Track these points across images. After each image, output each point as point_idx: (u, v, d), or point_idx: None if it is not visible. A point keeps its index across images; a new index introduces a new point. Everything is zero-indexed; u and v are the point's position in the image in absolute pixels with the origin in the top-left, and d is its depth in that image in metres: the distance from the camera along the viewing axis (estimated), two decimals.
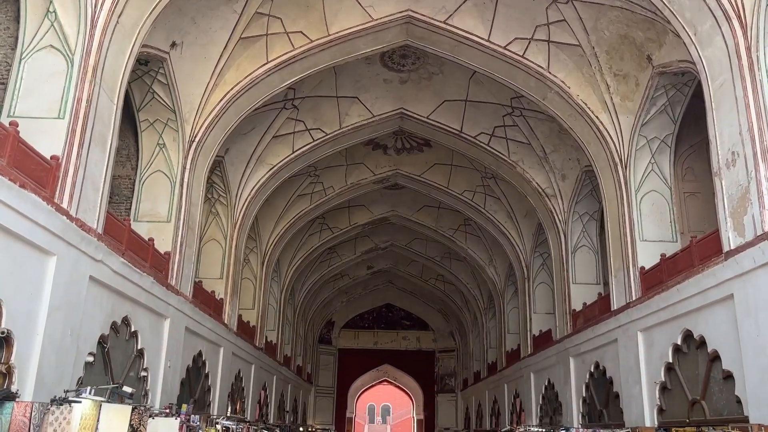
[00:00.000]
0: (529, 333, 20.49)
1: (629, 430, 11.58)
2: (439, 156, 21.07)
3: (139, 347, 10.64)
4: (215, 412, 15.30)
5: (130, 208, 12.36)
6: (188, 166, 12.68)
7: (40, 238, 7.34)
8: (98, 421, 7.50)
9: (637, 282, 12.00)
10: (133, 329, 10.37)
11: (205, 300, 14.59)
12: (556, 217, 17.00)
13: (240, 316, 18.44)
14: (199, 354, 14.22)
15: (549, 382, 18.17)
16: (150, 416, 7.60)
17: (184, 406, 11.77)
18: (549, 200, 17.15)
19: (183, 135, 12.60)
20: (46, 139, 7.93)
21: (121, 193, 12.70)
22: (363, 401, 59.18)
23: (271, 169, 17.37)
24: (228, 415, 16.29)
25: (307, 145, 17.59)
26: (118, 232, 9.75)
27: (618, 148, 12.82)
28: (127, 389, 7.52)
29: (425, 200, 24.62)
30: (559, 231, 16.96)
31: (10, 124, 7.07)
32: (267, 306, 22.15)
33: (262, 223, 20.82)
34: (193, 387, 13.97)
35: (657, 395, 11.08)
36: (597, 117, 13.07)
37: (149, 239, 11.20)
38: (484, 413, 28.55)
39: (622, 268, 12.55)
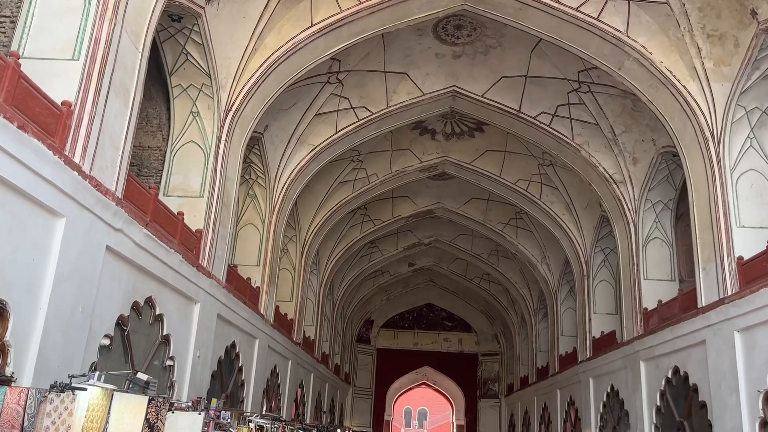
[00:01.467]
0: (588, 335, 18.79)
1: None
2: (492, 142, 19.58)
3: (164, 333, 9.51)
4: (249, 409, 14.13)
5: (159, 182, 11.27)
6: (224, 138, 11.54)
7: (45, 194, 6.22)
8: (109, 413, 6.33)
9: (733, 274, 10.33)
10: (158, 312, 9.23)
11: (240, 287, 13.45)
12: (625, 206, 15.32)
13: (277, 307, 17.29)
14: (233, 345, 13.08)
15: (612, 388, 16.47)
16: (169, 409, 6.37)
17: (214, 401, 10.57)
18: (617, 187, 15.49)
19: (219, 103, 11.46)
20: (59, 82, 6.82)
21: (151, 165, 11.64)
22: (400, 404, 57.75)
23: (312, 150, 16.17)
24: (263, 413, 15.13)
25: (351, 125, 16.33)
26: (142, 200, 8.62)
27: (709, 122, 11.15)
28: (141, 376, 6.32)
29: (474, 191, 23.11)
30: (628, 222, 15.28)
31: (11, 55, 5.96)
32: (305, 299, 20.99)
33: (302, 210, 19.66)
34: (225, 381, 12.83)
35: (761, 405, 9.40)
36: (684, 86, 11.42)
37: (179, 213, 10.07)
38: (531, 420, 26.82)
39: (713, 259, 10.87)
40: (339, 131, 16.29)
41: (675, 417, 12.58)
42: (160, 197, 10.90)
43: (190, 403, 7.86)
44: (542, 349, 26.62)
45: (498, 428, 34.97)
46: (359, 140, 17.04)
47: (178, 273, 9.70)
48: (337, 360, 30.19)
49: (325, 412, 26.06)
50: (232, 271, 12.85)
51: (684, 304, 12.19)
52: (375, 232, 24.71)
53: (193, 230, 10.70)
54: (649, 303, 14.35)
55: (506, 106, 16.16)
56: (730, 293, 10.31)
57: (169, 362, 9.71)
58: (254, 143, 14.64)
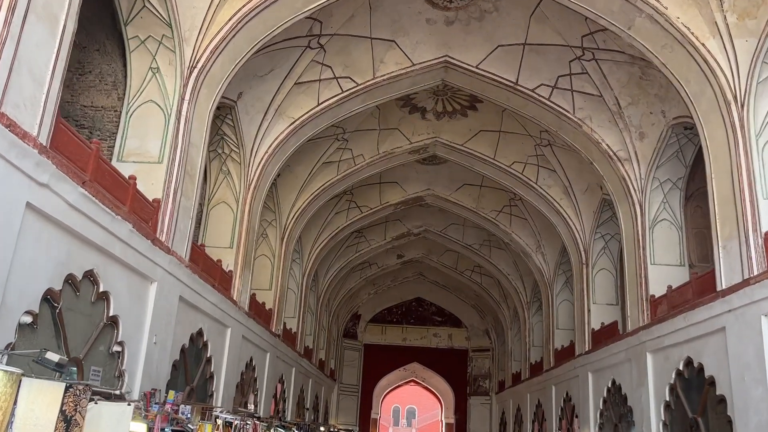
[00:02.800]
0: (586, 327, 17.63)
1: None
2: (486, 121, 18.38)
3: (111, 314, 8.20)
4: (219, 404, 12.84)
5: (113, 147, 9.95)
6: (188, 98, 10.23)
7: None
8: (15, 403, 5.05)
9: (759, 252, 9.17)
10: (102, 289, 7.92)
11: (208, 268, 12.15)
12: (630, 186, 14.16)
13: (254, 295, 15.99)
14: (199, 333, 11.77)
15: (614, 383, 15.31)
16: (92, 399, 5.08)
17: (172, 394, 9.31)
18: (622, 165, 14.31)
19: (182, 58, 10.15)
20: None
21: (105, 127, 10.33)
22: (388, 403, 56.48)
23: (292, 123, 14.88)
24: (237, 408, 13.84)
25: (334, 96, 15.05)
26: (79, 155, 7.31)
27: (731, 83, 9.98)
28: (52, 356, 5.01)
29: (466, 177, 21.90)
30: (634, 203, 14.11)
31: None
32: (286, 289, 19.69)
33: (283, 193, 18.36)
34: (190, 372, 11.53)
35: None
36: (703, 44, 10.25)
37: (130, 177, 8.76)
38: (524, 418, 25.68)
39: (736, 236, 9.71)
40: (321, 103, 15.00)
41: (687, 413, 11.43)
42: (114, 162, 9.61)
43: (118, 392, 6.56)
44: (536, 344, 25.48)
45: (488, 427, 33.83)
46: (343, 114, 15.75)
47: (128, 245, 8.39)
48: (321, 355, 28.91)
49: (308, 409, 24.78)
50: (198, 249, 11.54)
51: (699, 289, 11.03)
52: (362, 219, 23.46)
53: (150, 199, 9.40)
54: (657, 290, 13.19)
55: (502, 77, 14.94)
56: (756, 273, 9.15)
57: (116, 348, 8.41)
58: (227, 112, 13.34)
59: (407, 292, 35.82)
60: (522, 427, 25.94)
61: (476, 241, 26.48)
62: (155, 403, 8.60)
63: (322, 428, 24.34)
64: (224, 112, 13.30)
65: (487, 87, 15.45)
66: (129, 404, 5.26)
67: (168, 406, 9.01)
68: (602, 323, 16.75)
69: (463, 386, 35.85)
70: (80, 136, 7.46)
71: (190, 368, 11.47)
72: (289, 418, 20.66)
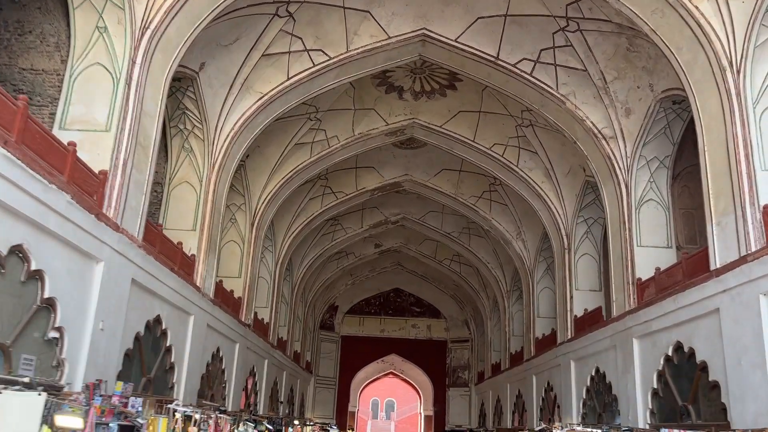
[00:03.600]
0: (568, 314, 17.04)
1: None
2: (465, 101, 17.66)
3: (46, 295, 7.29)
4: (181, 397, 11.98)
5: (55, 114, 9.00)
6: (139, 61, 9.30)
7: None
8: None
9: (758, 227, 8.56)
10: (33, 267, 7.01)
11: (167, 251, 11.25)
12: (615, 165, 13.53)
13: (220, 282, 15.12)
14: (157, 320, 10.88)
15: (598, 371, 14.73)
16: None
17: (120, 385, 8.46)
18: (607, 143, 13.68)
19: (132, 17, 9.23)
20: None
21: (46, 92, 9.38)
22: (366, 396, 55.89)
23: (260, 99, 13.98)
24: (201, 402, 12.99)
25: (305, 70, 14.18)
26: (2, 112, 6.38)
27: (726, 48, 9.34)
28: None
29: (445, 161, 21.23)
30: (619, 182, 13.49)
31: None
32: (257, 277, 18.81)
33: (252, 175, 17.45)
34: (147, 362, 10.64)
35: None
36: (696, 6, 9.58)
37: (69, 143, 7.83)
38: (504, 409, 25.14)
39: (731, 211, 9.09)
40: (291, 78, 14.13)
41: (677, 401, 10.84)
42: (56, 131, 8.68)
43: (27, 379, 5.68)
44: (516, 333, 24.94)
45: (468, 418, 33.32)
46: (315, 90, 14.89)
47: (67, 219, 7.49)
48: (297, 347, 28.09)
49: (281, 402, 23.95)
50: (154, 229, 10.64)
51: (691, 269, 10.42)
52: (337, 206, 22.63)
53: (96, 171, 8.48)
54: (644, 273, 12.59)
55: (483, 52, 14.19)
56: (754, 249, 8.53)
57: (53, 334, 7.51)
58: (188, 84, 12.41)
59: (385, 282, 35.10)
60: (502, 419, 25.41)
61: (455, 229, 25.83)
62: (99, 395, 7.75)
63: (296, 422, 23.51)
64: (185, 84, 12.37)
65: (467, 62, 14.70)
66: (40, 394, 4.40)
67: (115, 399, 8.16)
68: (585, 309, 16.17)
69: (442, 378, 35.29)
70: (3, 92, 6.53)
71: (147, 358, 10.59)
72: (261, 412, 19.84)
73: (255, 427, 16.67)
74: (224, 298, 15.22)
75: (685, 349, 10.47)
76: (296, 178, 18.53)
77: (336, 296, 34.45)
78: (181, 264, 11.92)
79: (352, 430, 37.31)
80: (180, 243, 12.07)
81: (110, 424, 7.46)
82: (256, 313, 19.28)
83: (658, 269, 11.89)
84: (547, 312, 20.98)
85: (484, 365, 30.80)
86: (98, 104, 8.92)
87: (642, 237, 12.98)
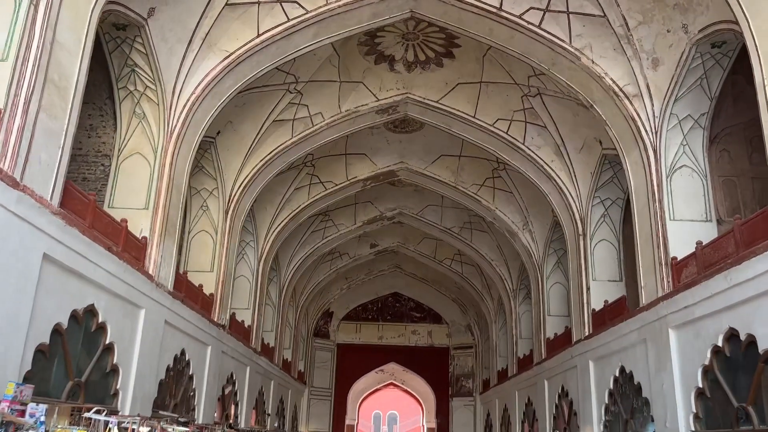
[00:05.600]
0: (585, 308, 15.01)
1: None
2: (464, 71, 15.76)
3: None
4: (127, 406, 9.96)
5: None
6: None
7: None
8: None
9: None
10: None
11: (105, 227, 9.28)
12: (641, 128, 11.56)
13: (184, 273, 13.15)
14: (90, 310, 8.87)
15: (623, 371, 12.68)
16: None
17: (11, 387, 6.42)
18: (630, 102, 11.71)
19: None
20: None
21: None
22: (368, 408, 53.58)
23: (226, 58, 12.06)
24: (157, 412, 10.96)
25: (279, 25, 12.26)
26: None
27: None
28: None
29: (443, 146, 19.34)
30: (646, 148, 11.51)
31: None
32: (233, 272, 16.80)
33: (226, 155, 15.49)
34: (75, 363, 8.61)
35: None
36: None
37: None
38: (512, 419, 22.99)
39: None
40: (262, 34, 12.20)
41: (732, 402, 8.77)
42: None
43: None
44: (524, 336, 22.87)
45: (473, 429, 31.10)
46: (292, 51, 12.95)
47: None
48: (287, 355, 26.01)
49: (269, 414, 21.83)
50: (81, 197, 8.65)
51: (748, 237, 8.41)
52: (327, 197, 20.68)
53: None
54: (679, 251, 10.60)
55: (483, 2, 12.28)
56: None
57: None
58: (135, 33, 10.47)
59: (383, 286, 33.05)
60: (510, 429, 23.25)
61: (456, 224, 23.86)
62: None
63: None
64: (131, 34, 10.45)
65: (465, 17, 12.77)
66: None
67: (4, 404, 6.16)
68: (606, 301, 14.13)
69: (444, 387, 33.10)
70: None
71: (74, 357, 8.56)
72: (242, 425, 17.77)
73: None
74: (190, 293, 13.22)
75: (741, 337, 8.44)
76: (277, 161, 16.58)
77: (330, 301, 32.39)
78: (126, 245, 9.94)
79: None
80: (125, 220, 10.09)
81: None
82: (234, 314, 17.27)
83: (700, 243, 9.87)
84: (559, 309, 18.96)
85: (489, 372, 28.66)
86: None
87: (675, 210, 10.99)
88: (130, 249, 10.12)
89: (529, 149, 16.15)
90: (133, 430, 8.50)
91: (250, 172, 16.06)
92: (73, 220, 8.08)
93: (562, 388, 16.88)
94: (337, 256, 27.47)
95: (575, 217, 15.74)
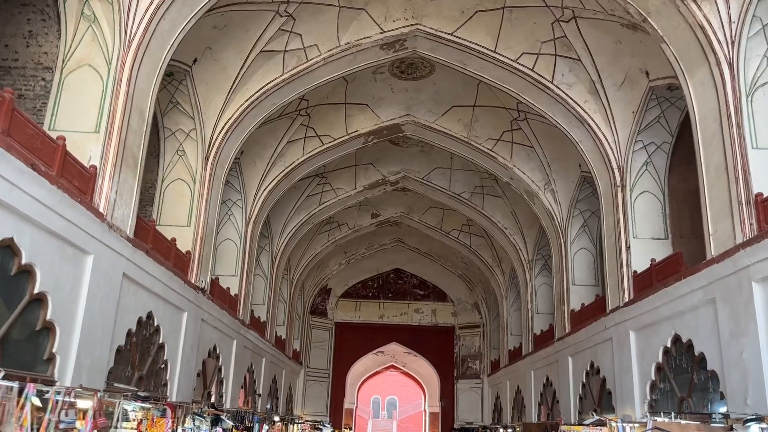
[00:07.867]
0: (624, 270, 12.85)
1: None
2: None
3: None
4: (67, 379, 7.82)
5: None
6: None
7: None
8: None
9: None
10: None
11: (30, 142, 7.05)
12: (712, 37, 9.31)
13: (152, 222, 10.97)
14: (8, 246, 6.68)
15: (678, 341, 10.53)
16: None
17: None
18: (698, 6, 9.47)
19: None
20: None
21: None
22: (367, 393, 51.80)
23: None
24: (113, 385, 8.82)
25: None
26: None
27: None
28: None
29: (455, 95, 17.18)
30: (719, 62, 9.27)
31: None
32: (214, 231, 14.61)
33: (205, 92, 13.23)
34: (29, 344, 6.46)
35: None
36: None
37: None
38: (527, 401, 20.96)
39: None
40: None
41: None
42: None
43: None
44: (541, 310, 20.79)
45: (480, 413, 29.15)
46: None
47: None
48: (281, 332, 23.93)
49: (260, 395, 19.78)
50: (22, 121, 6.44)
51: None
52: (324, 154, 18.51)
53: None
54: (765, 186, 8.42)
55: None
56: None
57: None
58: None
59: (384, 262, 30.93)
60: (524, 412, 21.22)
61: (466, 189, 21.70)
62: None
63: (276, 418, 19.36)
64: None
65: None
66: None
67: None
68: (652, 260, 11.97)
69: (449, 369, 31.08)
70: None
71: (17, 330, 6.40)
72: (228, 405, 15.67)
73: (218, 424, 12.54)
74: (159, 246, 11.05)
75: None
76: (265, 102, 14.35)
77: (328, 277, 30.28)
78: (64, 171, 7.68)
79: (350, 429, 33.14)
80: (62, 137, 7.84)
81: None
82: (217, 279, 15.13)
83: (760, 195, 7.70)
84: (585, 278, 16.85)
85: (498, 353, 26.62)
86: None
87: (758, 136, 8.79)
88: (72, 177, 7.92)
89: (559, 88, 13.92)
90: (66, 403, 6.41)
91: (234, 113, 13.83)
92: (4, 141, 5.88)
93: (592, 364, 14.77)
94: (336, 227, 25.35)
95: (611, 167, 13.54)
